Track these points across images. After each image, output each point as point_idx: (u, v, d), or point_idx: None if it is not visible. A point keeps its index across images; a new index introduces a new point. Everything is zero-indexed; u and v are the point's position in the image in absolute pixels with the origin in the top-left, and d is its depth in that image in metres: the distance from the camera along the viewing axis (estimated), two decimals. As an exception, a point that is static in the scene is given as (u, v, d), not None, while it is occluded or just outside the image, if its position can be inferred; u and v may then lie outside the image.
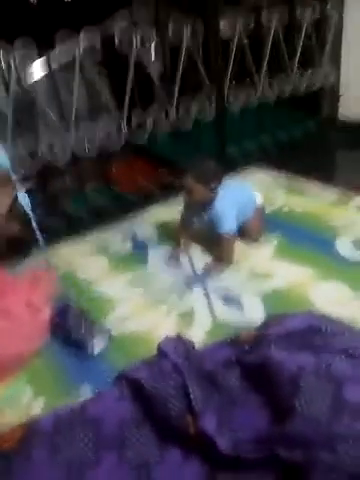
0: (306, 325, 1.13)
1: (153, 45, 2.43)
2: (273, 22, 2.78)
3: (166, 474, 1.00)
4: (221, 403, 1.06)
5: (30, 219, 1.63)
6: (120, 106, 2.44)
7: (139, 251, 2.13)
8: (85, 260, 2.12)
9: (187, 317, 1.62)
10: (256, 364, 1.06)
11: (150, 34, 2.37)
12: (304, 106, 3.21)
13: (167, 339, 1.22)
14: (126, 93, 2.40)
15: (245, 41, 2.71)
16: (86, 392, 1.33)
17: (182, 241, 2.06)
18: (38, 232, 1.64)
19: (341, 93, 3.36)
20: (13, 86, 2.06)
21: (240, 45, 2.71)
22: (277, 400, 0.98)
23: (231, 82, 2.77)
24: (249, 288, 1.74)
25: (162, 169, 2.72)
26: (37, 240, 1.65)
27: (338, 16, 3.09)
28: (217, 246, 1.93)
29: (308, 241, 1.99)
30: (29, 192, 1.55)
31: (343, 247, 1.92)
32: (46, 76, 2.35)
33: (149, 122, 2.50)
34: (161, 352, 1.17)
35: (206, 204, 1.87)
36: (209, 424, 1.00)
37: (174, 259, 2.00)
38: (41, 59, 2.14)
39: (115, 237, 2.29)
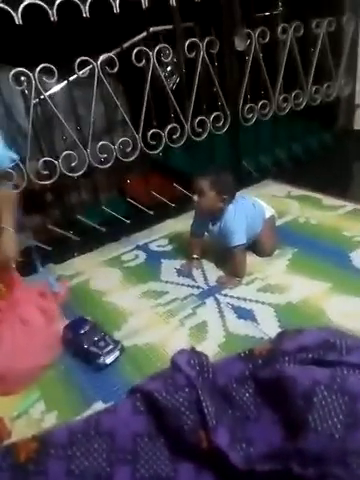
0: (321, 339, 1.11)
1: (169, 59, 2.47)
2: (289, 35, 2.80)
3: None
4: (234, 418, 1.04)
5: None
6: (136, 119, 2.47)
7: (152, 263, 2.14)
8: (98, 272, 2.14)
9: (200, 330, 1.61)
10: (270, 379, 1.04)
11: (167, 49, 2.41)
12: (319, 117, 3.19)
13: (180, 352, 1.21)
14: (142, 106, 2.43)
15: (260, 54, 2.73)
16: (98, 405, 1.33)
17: (194, 254, 2.07)
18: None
19: (357, 104, 3.34)
20: (32, 101, 2.11)
21: (255, 58, 2.73)
22: (290, 415, 0.96)
23: (246, 96, 2.79)
24: (263, 301, 1.72)
25: (176, 184, 2.73)
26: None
27: (354, 28, 3.09)
28: (229, 260, 1.93)
29: (323, 254, 1.97)
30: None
31: (359, 260, 1.89)
32: (64, 91, 2.41)
33: (164, 136, 2.53)
34: (174, 365, 1.16)
35: (215, 214, 1.87)
36: (222, 439, 0.98)
37: (187, 271, 2.01)
38: (60, 78, 2.19)
39: (128, 249, 2.31)
